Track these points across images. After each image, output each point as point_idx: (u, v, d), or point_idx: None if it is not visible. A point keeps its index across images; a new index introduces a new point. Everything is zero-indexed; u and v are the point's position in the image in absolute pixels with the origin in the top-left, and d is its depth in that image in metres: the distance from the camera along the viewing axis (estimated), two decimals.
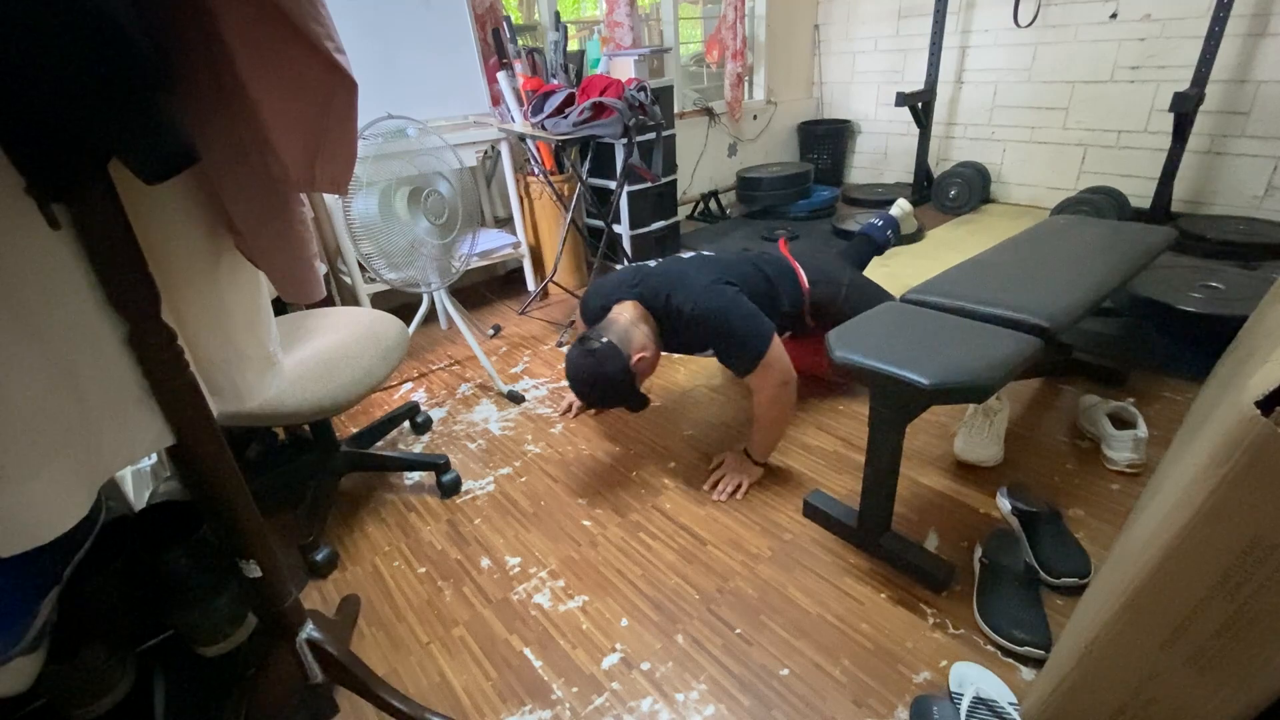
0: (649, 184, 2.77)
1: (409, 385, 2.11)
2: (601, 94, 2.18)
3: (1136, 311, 1.98)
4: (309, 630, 0.90)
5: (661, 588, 1.24)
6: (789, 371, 1.42)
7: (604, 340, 1.36)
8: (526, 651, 1.13)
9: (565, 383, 2.02)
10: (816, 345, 1.74)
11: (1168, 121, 2.58)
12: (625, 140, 2.20)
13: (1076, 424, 1.61)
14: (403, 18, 2.15)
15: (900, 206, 2.24)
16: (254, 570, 0.81)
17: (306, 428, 1.63)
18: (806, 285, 1.62)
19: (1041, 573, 1.17)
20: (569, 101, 2.25)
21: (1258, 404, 0.56)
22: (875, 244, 2.10)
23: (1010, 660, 1.05)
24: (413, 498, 1.56)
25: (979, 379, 1.00)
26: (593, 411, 1.84)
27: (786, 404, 1.44)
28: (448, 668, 1.12)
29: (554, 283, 2.78)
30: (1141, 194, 2.88)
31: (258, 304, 0.85)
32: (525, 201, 2.75)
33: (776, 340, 1.40)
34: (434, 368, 2.22)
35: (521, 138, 2.54)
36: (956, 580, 1.20)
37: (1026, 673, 1.03)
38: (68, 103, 0.47)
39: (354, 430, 1.74)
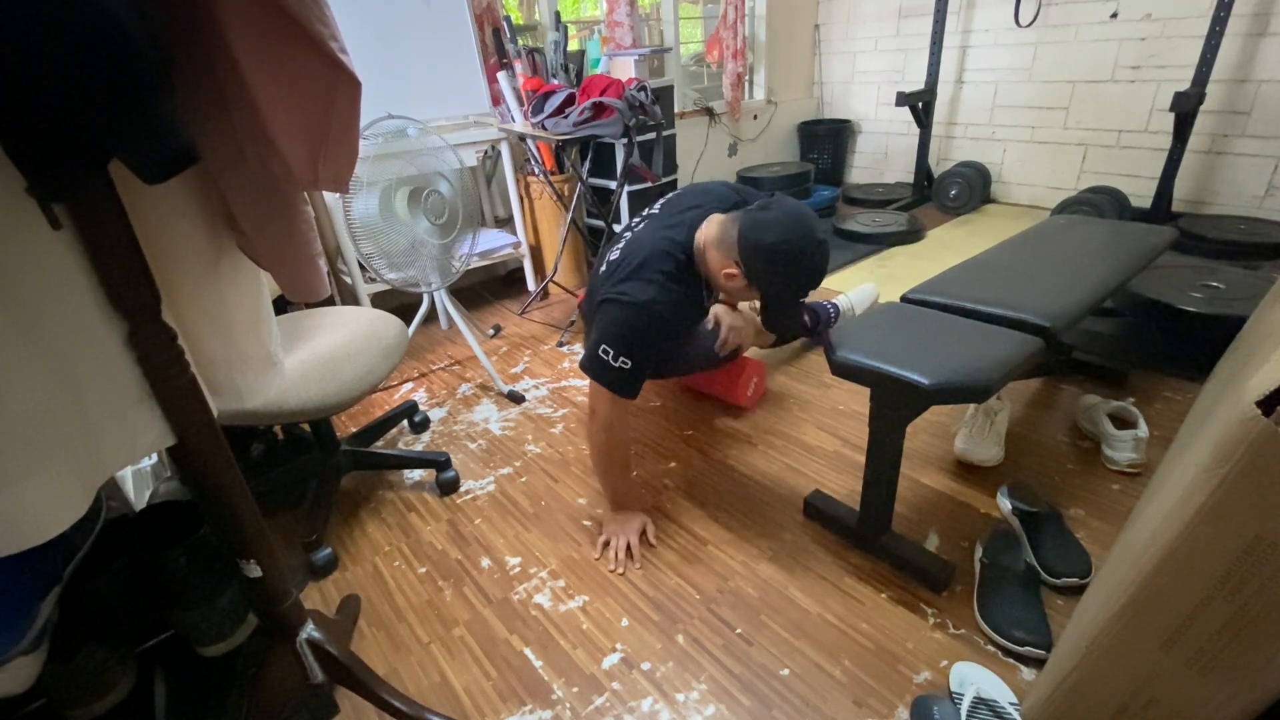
0: (649, 184, 2.77)
1: (409, 385, 2.11)
2: (602, 94, 2.18)
3: (1137, 311, 1.98)
4: (309, 630, 0.90)
5: (662, 587, 1.24)
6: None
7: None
8: (527, 651, 1.14)
9: (565, 383, 2.03)
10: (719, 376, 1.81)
11: (1168, 121, 2.58)
12: (625, 140, 2.20)
13: (1077, 424, 1.61)
14: (402, 17, 2.15)
15: (865, 293, 2.10)
16: (254, 570, 0.81)
17: (306, 426, 1.63)
18: None
19: (1042, 573, 1.17)
20: (569, 101, 2.25)
21: (1258, 404, 0.56)
22: (812, 330, 1.96)
23: (1011, 660, 1.05)
24: (413, 497, 1.56)
25: (979, 379, 1.00)
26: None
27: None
28: (448, 668, 1.12)
29: (554, 283, 2.78)
30: (1142, 194, 2.88)
31: (259, 304, 0.85)
32: (525, 201, 2.75)
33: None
34: (434, 368, 2.22)
35: (521, 138, 2.54)
36: (957, 580, 1.20)
37: (1027, 673, 1.03)
38: (69, 103, 0.47)
39: (353, 429, 1.74)
